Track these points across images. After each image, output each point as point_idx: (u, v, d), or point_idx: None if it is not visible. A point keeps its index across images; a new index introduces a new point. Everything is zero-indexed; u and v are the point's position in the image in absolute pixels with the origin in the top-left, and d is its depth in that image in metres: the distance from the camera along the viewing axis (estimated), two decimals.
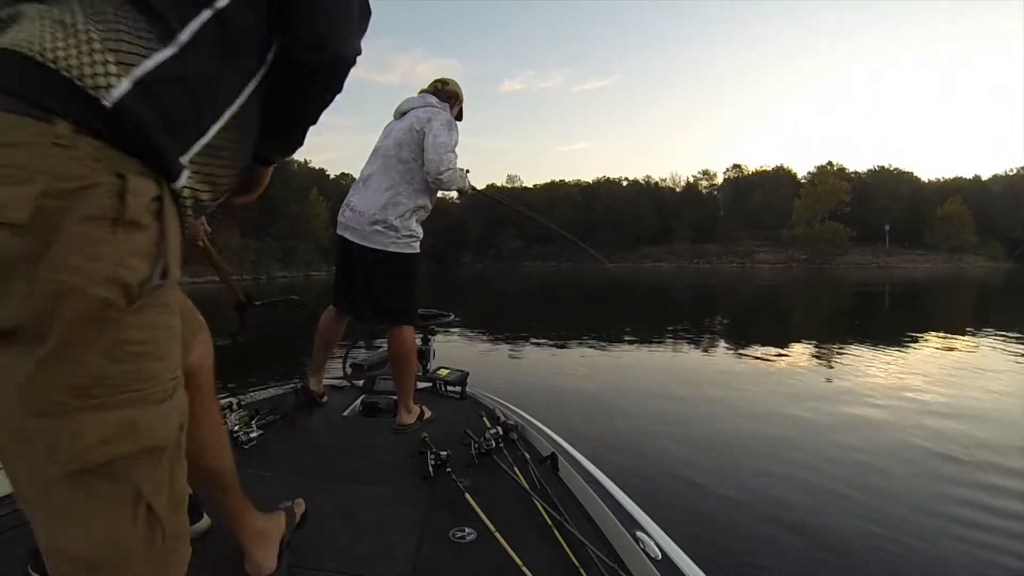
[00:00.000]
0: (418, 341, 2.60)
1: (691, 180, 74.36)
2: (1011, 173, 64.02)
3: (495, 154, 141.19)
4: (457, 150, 2.26)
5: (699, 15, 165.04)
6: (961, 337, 8.79)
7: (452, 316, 3.39)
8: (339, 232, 2.31)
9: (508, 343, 8.29)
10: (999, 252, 54.85)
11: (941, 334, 9.14)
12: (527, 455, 1.83)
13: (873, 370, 6.14)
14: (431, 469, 1.71)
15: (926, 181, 66.60)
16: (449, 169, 2.19)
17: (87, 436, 0.53)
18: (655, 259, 61.57)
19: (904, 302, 17.65)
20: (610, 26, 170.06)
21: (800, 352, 7.60)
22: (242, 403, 2.23)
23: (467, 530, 1.37)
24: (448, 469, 1.68)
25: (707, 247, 63.36)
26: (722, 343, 8.39)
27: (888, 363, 6.57)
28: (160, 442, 0.59)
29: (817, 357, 7.20)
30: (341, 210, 2.32)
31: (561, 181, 77.62)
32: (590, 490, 1.52)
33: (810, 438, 3.77)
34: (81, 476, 0.53)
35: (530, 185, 77.96)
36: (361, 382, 2.86)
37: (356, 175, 2.43)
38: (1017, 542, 2.41)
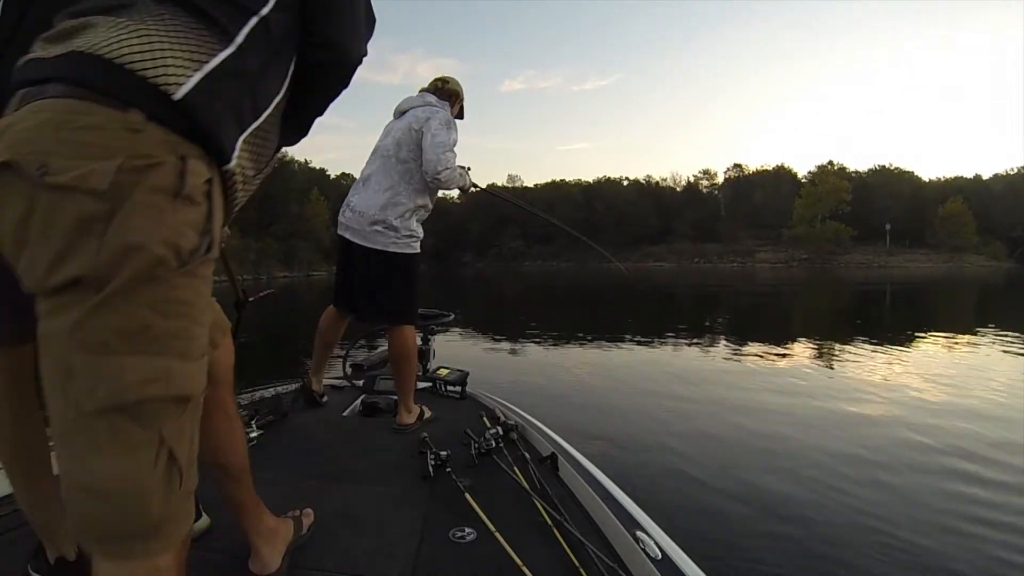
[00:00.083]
0: (418, 341, 2.60)
1: (692, 179, 74.33)
2: (1012, 172, 63.85)
3: (495, 154, 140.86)
4: (457, 149, 2.26)
5: (700, 15, 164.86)
6: (963, 336, 8.78)
7: (452, 316, 3.39)
8: (339, 232, 2.31)
9: (508, 343, 8.29)
10: (1000, 252, 54.73)
11: (943, 333, 9.12)
12: (527, 455, 1.83)
13: (874, 369, 6.13)
14: (431, 469, 1.71)
15: (927, 180, 66.54)
16: (447, 168, 2.18)
17: (126, 376, 0.60)
18: (656, 258, 61.47)
19: (905, 302, 17.63)
20: (610, 25, 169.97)
21: (801, 351, 7.60)
22: (242, 403, 2.24)
23: (467, 530, 1.37)
24: (448, 469, 1.68)
25: (708, 247, 63.29)
26: (723, 342, 8.38)
27: (890, 362, 6.56)
28: (188, 392, 0.65)
29: (818, 356, 7.19)
30: (342, 210, 2.32)
31: (562, 181, 77.45)
32: (590, 490, 1.52)
33: (811, 438, 3.76)
34: (113, 413, 0.60)
35: (531, 185, 77.93)
36: (361, 382, 2.86)
37: (357, 175, 2.43)
38: (1019, 537, 2.41)
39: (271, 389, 2.66)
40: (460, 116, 2.53)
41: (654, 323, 11.74)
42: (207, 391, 0.70)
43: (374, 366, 3.02)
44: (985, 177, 65.96)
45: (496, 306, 17.57)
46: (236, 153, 0.70)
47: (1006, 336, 8.45)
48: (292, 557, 1.22)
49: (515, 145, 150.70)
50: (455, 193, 2.49)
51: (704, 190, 73.59)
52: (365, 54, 0.90)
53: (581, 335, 9.03)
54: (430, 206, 2.36)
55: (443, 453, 1.75)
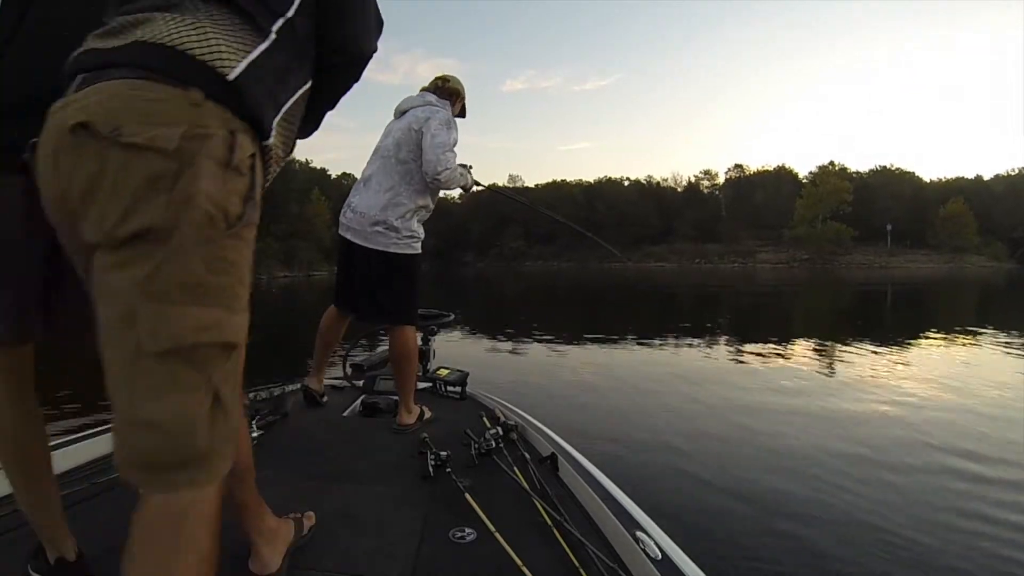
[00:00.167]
0: (418, 341, 2.60)
1: (693, 180, 74.31)
2: (1013, 173, 63.84)
3: (496, 153, 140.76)
4: (458, 149, 2.25)
5: (700, 15, 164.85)
6: (963, 337, 8.76)
7: (452, 316, 3.39)
8: (341, 233, 2.31)
9: (509, 343, 8.29)
10: (1002, 252, 54.66)
11: (944, 334, 9.12)
12: (527, 455, 1.83)
13: (874, 369, 6.13)
14: (431, 469, 1.71)
15: (928, 181, 66.49)
16: (447, 169, 2.17)
17: (185, 322, 0.67)
18: (657, 259, 61.43)
19: (906, 302, 17.63)
20: (611, 26, 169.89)
21: (801, 352, 7.59)
22: (242, 403, 2.23)
23: (467, 530, 1.37)
24: (448, 469, 1.68)
25: (709, 247, 63.25)
26: (723, 343, 8.38)
27: (890, 362, 6.56)
28: (235, 340, 0.73)
29: (818, 357, 7.19)
30: (343, 211, 2.32)
31: (563, 181, 77.48)
32: (590, 490, 1.52)
33: (811, 437, 3.76)
34: (171, 356, 0.67)
35: (532, 185, 77.83)
36: (361, 382, 2.86)
37: (357, 175, 2.43)
38: (1020, 536, 2.41)
39: (271, 389, 2.66)
40: (462, 115, 2.52)
41: (655, 323, 11.74)
42: None
43: (374, 366, 3.02)
44: (986, 178, 66.08)
45: (497, 306, 17.57)
46: (274, 132, 0.79)
47: (1006, 336, 8.44)
48: (292, 557, 1.22)
49: (516, 145, 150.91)
50: (456, 193, 2.50)
51: (705, 190, 73.58)
52: (375, 50, 1.03)
53: (581, 335, 9.02)
54: (431, 206, 2.35)
55: (443, 453, 1.75)
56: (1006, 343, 7.89)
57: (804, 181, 64.32)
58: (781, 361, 6.84)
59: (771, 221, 61.84)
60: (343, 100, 1.09)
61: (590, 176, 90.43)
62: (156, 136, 0.65)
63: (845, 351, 7.43)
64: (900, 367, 6.32)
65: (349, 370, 2.97)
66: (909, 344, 8.11)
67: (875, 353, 7.19)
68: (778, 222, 60.87)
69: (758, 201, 64.62)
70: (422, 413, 2.32)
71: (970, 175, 67.74)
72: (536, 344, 8.15)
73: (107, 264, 0.67)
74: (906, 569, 2.19)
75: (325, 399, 2.55)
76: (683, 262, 60.35)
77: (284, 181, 46.01)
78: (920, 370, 6.13)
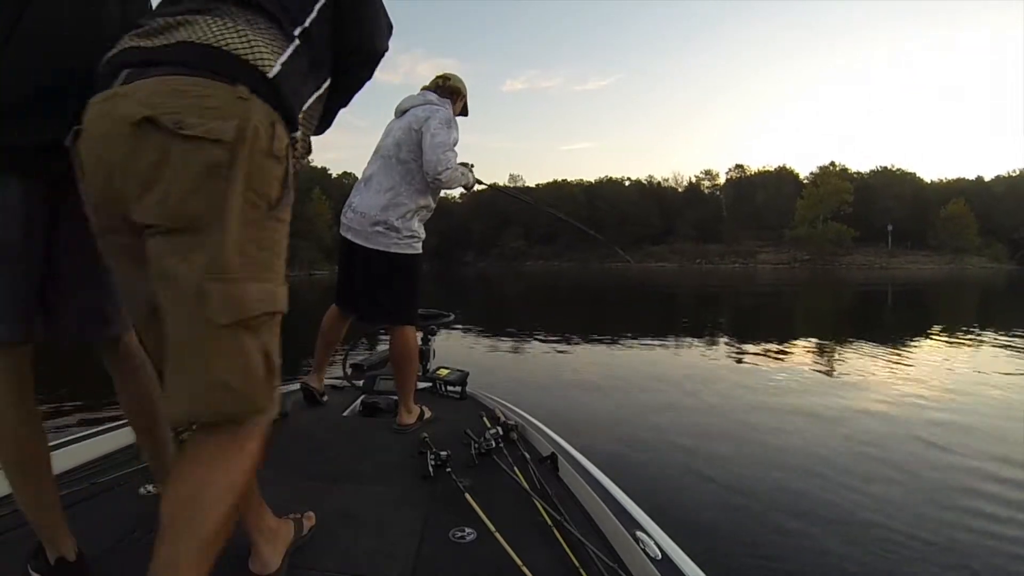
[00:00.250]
0: (418, 341, 2.60)
1: (693, 180, 74.42)
2: (1014, 174, 63.76)
3: (497, 153, 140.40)
4: (459, 148, 2.25)
5: (700, 14, 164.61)
6: (964, 337, 8.75)
7: (452, 316, 3.38)
8: (342, 233, 2.31)
9: (509, 343, 8.29)
10: (1002, 253, 54.65)
11: (944, 335, 9.11)
12: (527, 455, 1.83)
13: (875, 369, 6.12)
14: (431, 469, 1.71)
15: (929, 182, 66.45)
16: (448, 168, 2.17)
17: (248, 296, 0.78)
18: (658, 259, 61.43)
19: (907, 303, 17.60)
20: (612, 25, 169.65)
21: (802, 352, 7.58)
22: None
23: (467, 530, 1.37)
24: (448, 469, 1.68)
25: (710, 247, 63.28)
26: (724, 343, 8.38)
27: (891, 362, 6.55)
28: (281, 308, 0.85)
29: (819, 357, 7.19)
30: (344, 211, 2.32)
31: (564, 180, 77.41)
32: (590, 490, 1.51)
33: (812, 437, 3.76)
34: (238, 327, 0.77)
35: (532, 184, 77.72)
36: (361, 382, 2.86)
37: (358, 174, 2.43)
38: (1021, 531, 2.40)
39: None
40: (464, 113, 2.52)
41: (655, 323, 11.73)
42: None
43: (374, 366, 3.01)
44: (987, 179, 66.02)
45: (497, 306, 17.57)
46: (300, 125, 0.88)
47: (1007, 337, 8.43)
48: (292, 557, 1.22)
49: (517, 145, 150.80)
50: (457, 192, 2.49)
51: (706, 190, 73.63)
52: (387, 48, 1.12)
53: (582, 335, 9.02)
54: (432, 206, 2.35)
55: (443, 453, 1.75)
56: (1007, 343, 7.89)
57: (805, 181, 64.36)
58: (781, 361, 6.83)
59: (772, 221, 61.85)
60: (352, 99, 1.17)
61: (591, 176, 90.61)
62: (213, 128, 0.73)
63: (845, 351, 7.43)
64: (901, 367, 6.31)
65: (349, 370, 2.96)
66: (910, 344, 8.10)
67: (875, 353, 7.18)
68: (779, 222, 60.88)
69: (759, 201, 64.62)
70: (422, 413, 2.31)
71: (971, 176, 67.74)
72: (536, 344, 8.15)
73: (167, 248, 0.75)
74: (905, 566, 2.19)
75: (325, 398, 2.55)
76: (684, 262, 60.36)
77: None
78: (921, 370, 6.12)
